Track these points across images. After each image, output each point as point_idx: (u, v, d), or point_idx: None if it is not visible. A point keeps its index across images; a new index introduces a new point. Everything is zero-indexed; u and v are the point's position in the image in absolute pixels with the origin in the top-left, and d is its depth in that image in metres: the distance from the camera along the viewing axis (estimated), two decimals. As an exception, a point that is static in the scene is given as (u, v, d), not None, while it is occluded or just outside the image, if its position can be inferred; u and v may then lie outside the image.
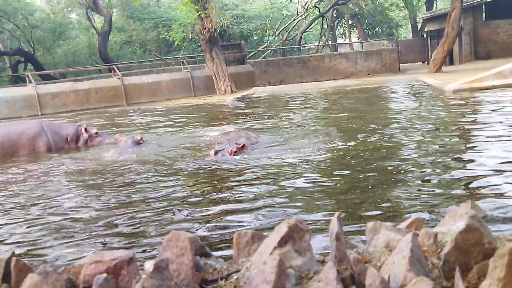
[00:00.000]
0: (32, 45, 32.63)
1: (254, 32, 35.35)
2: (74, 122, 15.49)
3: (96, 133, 9.76)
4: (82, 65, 32.84)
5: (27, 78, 21.16)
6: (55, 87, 20.82)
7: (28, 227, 4.80)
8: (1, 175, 7.72)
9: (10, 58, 33.39)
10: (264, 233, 2.47)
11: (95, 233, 4.42)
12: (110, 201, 5.53)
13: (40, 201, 5.81)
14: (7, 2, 30.31)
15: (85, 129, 9.75)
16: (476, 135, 7.74)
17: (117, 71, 22.01)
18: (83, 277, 2.11)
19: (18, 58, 32.64)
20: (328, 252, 2.34)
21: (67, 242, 4.21)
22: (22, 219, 5.11)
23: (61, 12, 36.49)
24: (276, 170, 6.31)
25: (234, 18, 33.23)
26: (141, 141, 8.76)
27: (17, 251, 3.89)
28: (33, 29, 32.63)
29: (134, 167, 7.29)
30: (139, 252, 3.78)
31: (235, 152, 7.40)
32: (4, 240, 4.49)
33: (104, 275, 2.01)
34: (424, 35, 33.91)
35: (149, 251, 3.80)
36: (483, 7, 28.23)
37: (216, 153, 7.48)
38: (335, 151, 7.32)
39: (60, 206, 5.54)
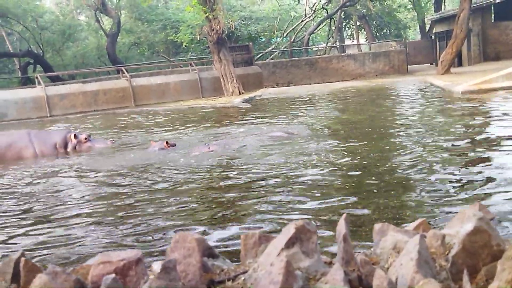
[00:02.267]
0: (41, 47, 32.84)
1: (262, 33, 35.40)
2: (84, 123, 15.58)
3: (85, 138, 9.73)
4: (91, 66, 33.01)
5: (36, 80, 21.30)
6: (63, 88, 20.94)
7: (36, 227, 4.83)
8: (10, 176, 7.78)
9: (19, 59, 33.61)
10: (272, 234, 2.47)
11: (103, 233, 4.44)
12: (118, 203, 5.55)
13: (49, 202, 5.85)
14: (16, 4, 30.52)
15: (75, 135, 9.72)
16: (485, 137, 7.70)
17: (126, 72, 22.10)
18: (92, 277, 2.13)
19: (28, 59, 32.88)
20: (336, 254, 2.34)
21: (75, 243, 4.23)
22: (31, 219, 5.14)
23: (70, 14, 36.73)
24: (283, 171, 6.31)
25: (242, 20, 33.29)
26: (169, 148, 8.54)
27: (26, 252, 3.92)
28: (43, 31, 32.85)
29: (147, 170, 7.31)
30: (147, 252, 3.79)
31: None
32: (13, 240, 4.51)
33: (112, 275, 2.02)
34: (433, 37, 33.77)
35: (157, 252, 3.81)
36: (492, 8, 28.07)
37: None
38: (343, 153, 7.31)
39: (69, 207, 5.57)
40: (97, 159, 8.61)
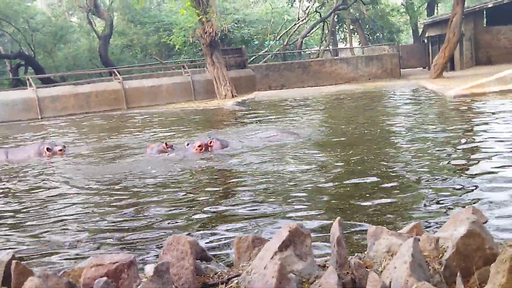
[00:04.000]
0: (32, 49, 32.66)
1: (255, 36, 35.39)
2: (76, 125, 15.53)
3: (60, 150, 9.57)
4: (83, 68, 32.86)
5: (27, 82, 21.17)
6: (55, 90, 20.82)
7: (28, 230, 4.80)
8: (5, 178, 7.73)
9: (10, 61, 33.43)
10: (265, 237, 2.47)
11: (96, 236, 4.42)
12: (111, 205, 5.53)
13: (41, 205, 5.81)
14: (8, 5, 30.36)
15: (47, 148, 9.49)
16: (477, 141, 7.74)
17: (118, 74, 22.03)
18: (84, 280, 2.11)
19: (19, 61, 32.70)
20: (329, 256, 2.33)
21: (67, 245, 4.20)
22: (23, 222, 5.10)
23: (62, 16, 36.57)
24: (277, 175, 6.31)
25: (235, 23, 33.26)
26: (168, 150, 8.46)
27: (17, 254, 3.89)
28: (34, 32, 32.69)
29: (142, 173, 7.27)
30: (139, 255, 3.77)
31: (199, 146, 8.13)
32: (4, 242, 4.48)
33: (105, 278, 2.01)
34: (425, 41, 33.94)
35: (150, 255, 3.79)
36: (484, 13, 28.26)
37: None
38: (336, 157, 7.32)
39: (61, 209, 5.53)
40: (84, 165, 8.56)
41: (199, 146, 8.13)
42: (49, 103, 19.91)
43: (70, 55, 35.41)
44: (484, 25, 28.35)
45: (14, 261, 2.26)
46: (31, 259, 3.93)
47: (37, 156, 9.44)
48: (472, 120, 10.09)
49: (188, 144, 8.41)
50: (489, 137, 7.82)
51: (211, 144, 8.18)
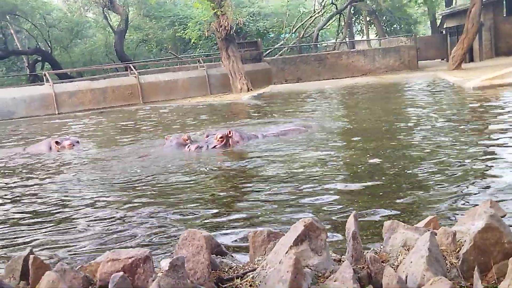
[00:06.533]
0: (49, 44, 33.01)
1: (271, 29, 35.34)
2: (95, 119, 15.65)
3: (69, 144, 9.73)
4: (99, 63, 33.14)
5: (44, 77, 21.39)
6: (72, 86, 21.03)
7: (44, 225, 4.84)
8: (19, 171, 7.82)
9: (28, 57, 33.82)
10: (280, 232, 2.46)
11: (112, 231, 4.45)
12: (126, 200, 5.56)
13: (57, 198, 5.86)
14: (24, 2, 30.70)
15: (56, 141, 9.70)
16: (497, 134, 7.62)
17: (134, 69, 22.17)
18: (100, 275, 2.13)
19: (36, 57, 33.06)
20: (345, 251, 2.32)
21: (83, 240, 4.24)
22: (39, 217, 5.16)
23: (78, 11, 36.85)
24: (293, 169, 6.29)
25: (251, 16, 33.23)
26: (187, 142, 8.48)
27: (34, 249, 3.93)
28: (50, 28, 33.04)
29: (157, 166, 7.31)
30: (155, 250, 3.79)
31: (221, 138, 8.17)
32: (21, 237, 4.53)
33: (121, 273, 2.02)
34: (443, 32, 33.55)
35: (165, 249, 3.80)
36: (504, 2, 27.79)
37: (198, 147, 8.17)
38: (353, 150, 7.28)
39: (77, 203, 5.58)
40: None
41: (220, 137, 8.17)
42: (66, 99, 20.12)
43: (86, 51, 35.76)
44: (504, 15, 27.90)
45: (31, 256, 2.28)
46: (49, 252, 3.97)
47: (48, 150, 9.64)
48: (493, 112, 9.94)
49: (208, 136, 8.46)
50: (510, 130, 7.71)
51: (230, 135, 8.23)
